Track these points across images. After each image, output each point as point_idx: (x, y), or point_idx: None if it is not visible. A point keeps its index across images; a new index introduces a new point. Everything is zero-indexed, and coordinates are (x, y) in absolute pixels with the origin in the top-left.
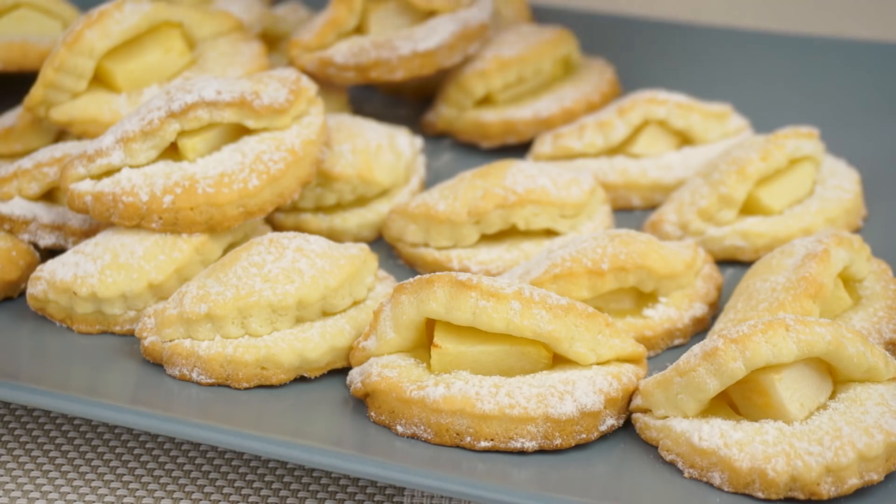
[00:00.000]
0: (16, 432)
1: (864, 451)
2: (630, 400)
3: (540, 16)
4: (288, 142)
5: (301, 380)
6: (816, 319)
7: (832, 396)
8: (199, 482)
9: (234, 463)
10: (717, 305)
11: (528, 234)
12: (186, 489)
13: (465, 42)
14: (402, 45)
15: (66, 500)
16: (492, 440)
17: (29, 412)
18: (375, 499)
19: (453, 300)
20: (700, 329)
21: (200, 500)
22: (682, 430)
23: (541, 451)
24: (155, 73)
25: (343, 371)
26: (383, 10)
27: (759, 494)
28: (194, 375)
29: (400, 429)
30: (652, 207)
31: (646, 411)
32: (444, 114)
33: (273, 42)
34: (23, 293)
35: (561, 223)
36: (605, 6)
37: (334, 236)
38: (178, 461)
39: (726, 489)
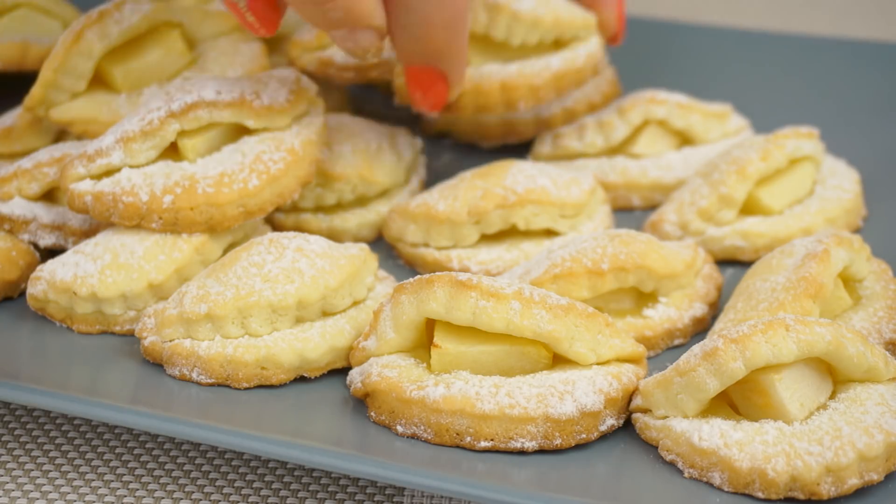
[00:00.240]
0: (16, 432)
1: (864, 451)
2: (630, 400)
3: None
4: (288, 142)
5: (301, 380)
6: (816, 319)
7: (832, 396)
8: (199, 482)
9: (234, 463)
10: (717, 305)
11: (529, 234)
12: (186, 489)
13: None
14: None
15: (66, 500)
16: (492, 440)
17: (29, 412)
18: (375, 499)
19: (453, 300)
20: (700, 329)
21: (200, 500)
22: (682, 430)
23: (541, 451)
24: (155, 73)
25: (343, 371)
26: None
27: (759, 494)
28: (194, 375)
29: (400, 429)
30: (652, 207)
31: (646, 411)
32: (444, 113)
33: (273, 42)
34: (23, 293)
35: (561, 223)
36: None
37: (334, 236)
38: (178, 461)
39: (726, 489)
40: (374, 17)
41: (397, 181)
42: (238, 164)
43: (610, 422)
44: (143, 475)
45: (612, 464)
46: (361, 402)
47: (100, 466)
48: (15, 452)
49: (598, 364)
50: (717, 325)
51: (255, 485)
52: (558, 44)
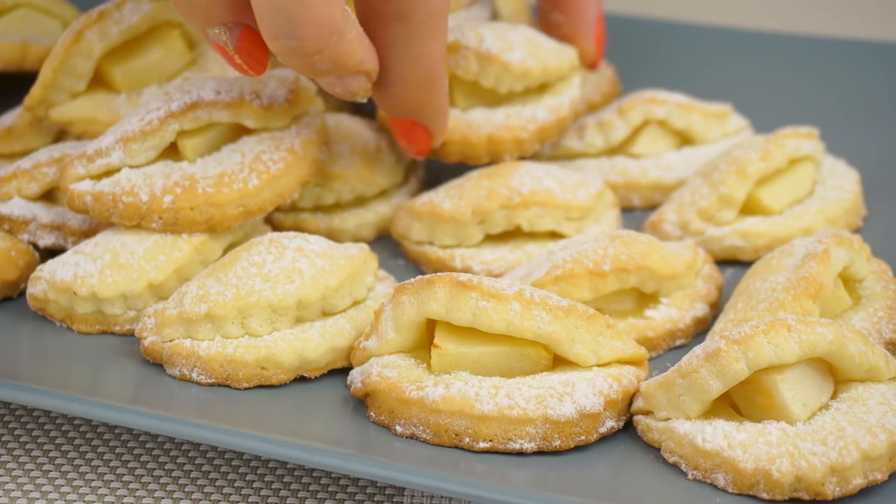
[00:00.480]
0: (16, 432)
1: (867, 451)
2: (631, 402)
3: None
4: (287, 141)
5: (301, 380)
6: (818, 319)
7: (833, 396)
8: (199, 482)
9: (234, 463)
10: (718, 306)
11: (533, 235)
12: (186, 489)
13: None
14: None
15: (66, 500)
16: (490, 441)
17: (29, 412)
18: (375, 499)
19: (454, 301)
20: (702, 329)
21: (200, 500)
22: (684, 431)
23: (539, 453)
24: (155, 73)
25: (343, 371)
26: None
27: (764, 495)
28: (194, 375)
29: (399, 429)
30: (652, 207)
31: (647, 413)
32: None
33: None
34: (23, 293)
35: (566, 226)
36: (605, 6)
37: (333, 236)
38: (178, 461)
39: (731, 490)
40: (363, 62)
41: (396, 181)
42: (238, 164)
43: (609, 424)
44: (143, 475)
45: (613, 465)
46: (361, 402)
47: (100, 466)
48: (15, 452)
49: (598, 366)
50: (717, 325)
51: (255, 485)
52: (543, 87)
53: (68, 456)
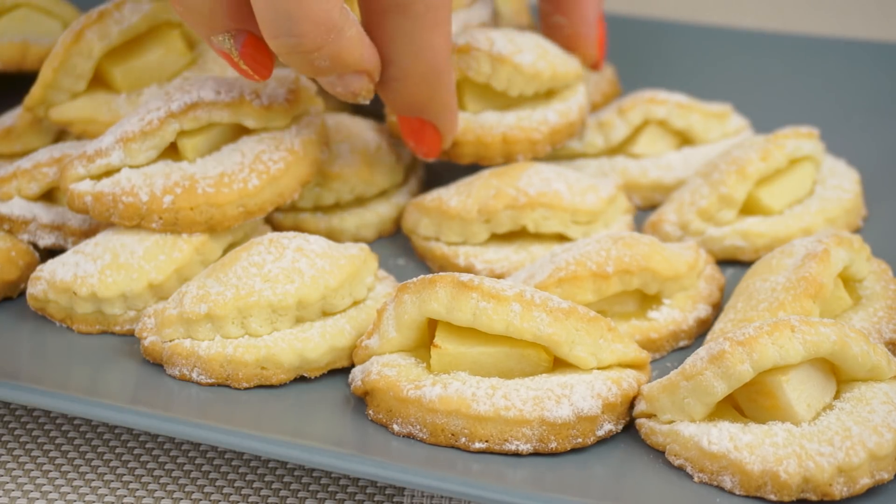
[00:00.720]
0: (16, 432)
1: (874, 451)
2: (631, 405)
3: None
4: (287, 141)
5: (301, 380)
6: (821, 320)
7: (836, 396)
8: (199, 482)
9: (234, 463)
10: (720, 306)
11: (539, 237)
12: (186, 489)
13: None
14: None
15: (66, 500)
16: (486, 441)
17: (29, 412)
18: (375, 499)
19: (454, 300)
20: (704, 330)
21: (200, 500)
22: (689, 434)
23: (535, 454)
24: (155, 73)
25: (343, 371)
26: None
27: (772, 497)
28: (194, 375)
29: (396, 427)
30: (652, 207)
31: (650, 416)
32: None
33: None
34: (23, 293)
35: (573, 229)
36: (605, 6)
37: (333, 236)
38: (178, 461)
39: (738, 492)
40: (363, 60)
41: (396, 181)
42: (238, 164)
43: (608, 427)
44: (143, 475)
45: (612, 466)
46: (361, 402)
47: (100, 466)
48: (15, 452)
49: (599, 369)
50: (718, 325)
51: (255, 485)
52: (550, 93)
53: (68, 456)
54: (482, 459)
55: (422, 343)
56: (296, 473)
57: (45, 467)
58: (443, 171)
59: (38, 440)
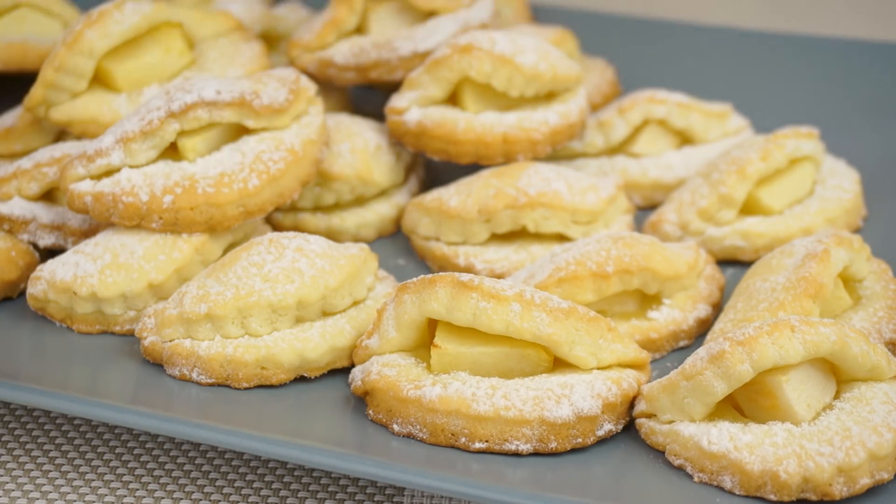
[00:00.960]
0: (16, 432)
1: (874, 451)
2: (631, 405)
3: (540, 16)
4: (288, 141)
5: (301, 380)
6: (821, 320)
7: (836, 396)
8: (199, 482)
9: (234, 463)
10: (721, 306)
11: (539, 237)
12: (186, 489)
13: None
14: (402, 46)
15: (66, 500)
16: (486, 441)
17: (29, 412)
18: (375, 499)
19: (454, 300)
20: (704, 330)
21: (200, 500)
22: (689, 434)
23: (536, 454)
24: (155, 73)
25: (343, 371)
26: (384, 10)
27: (772, 497)
28: (194, 375)
29: (396, 427)
30: (652, 207)
31: (650, 416)
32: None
33: (273, 42)
34: (23, 293)
35: (573, 229)
36: (605, 6)
37: (333, 236)
38: (178, 461)
39: (738, 492)
40: None
41: (396, 181)
42: (238, 164)
43: (608, 427)
44: (143, 475)
45: (612, 466)
46: (361, 402)
47: (100, 466)
48: (15, 452)
49: (598, 369)
50: (717, 325)
51: (255, 485)
52: (550, 95)
53: (68, 456)
54: (482, 459)
55: (422, 343)
56: (296, 473)
57: (45, 467)
58: (443, 171)
59: (38, 440)
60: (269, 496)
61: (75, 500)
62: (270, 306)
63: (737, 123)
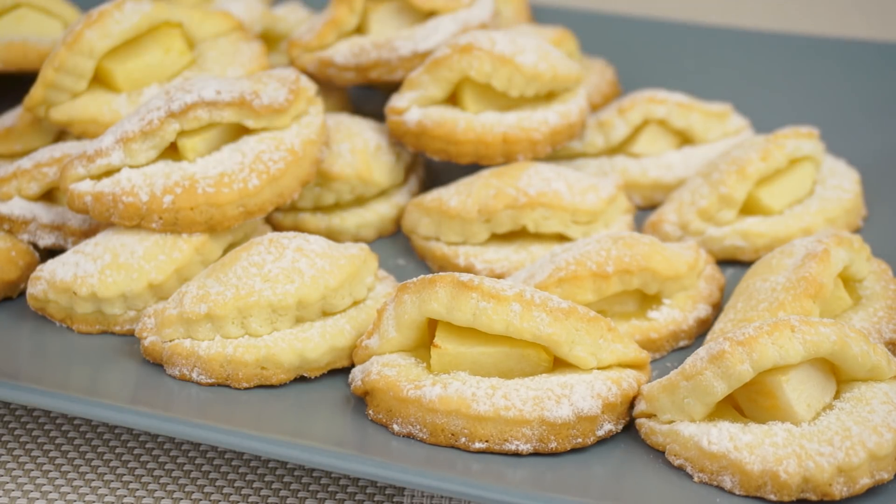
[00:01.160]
0: (16, 432)
1: (874, 451)
2: (631, 405)
3: (540, 16)
4: (288, 141)
5: (301, 380)
6: (821, 320)
7: (836, 396)
8: (199, 482)
9: (234, 463)
10: (721, 306)
11: (540, 237)
12: (186, 489)
13: None
14: (402, 46)
15: (66, 500)
16: (486, 441)
17: (29, 412)
18: (375, 499)
19: (454, 300)
20: (704, 330)
21: (200, 500)
22: (689, 434)
23: (536, 454)
24: (155, 73)
25: (343, 371)
26: (384, 10)
27: (772, 497)
28: (194, 375)
29: (396, 427)
30: (652, 207)
31: (650, 416)
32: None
33: (273, 42)
34: (23, 293)
35: (573, 229)
36: (605, 6)
37: (333, 236)
38: (178, 461)
39: (738, 492)
40: None
41: (396, 181)
42: (238, 164)
43: (608, 427)
44: (143, 475)
45: (612, 466)
46: (361, 402)
47: (100, 466)
48: (15, 452)
49: (598, 369)
50: (717, 325)
51: (255, 485)
52: (550, 95)
53: (68, 456)
54: (482, 459)
55: (422, 343)
56: (296, 473)
57: (45, 467)
58: (443, 171)
59: (38, 440)
60: (269, 496)
61: (75, 500)
62: (270, 306)
63: (737, 123)
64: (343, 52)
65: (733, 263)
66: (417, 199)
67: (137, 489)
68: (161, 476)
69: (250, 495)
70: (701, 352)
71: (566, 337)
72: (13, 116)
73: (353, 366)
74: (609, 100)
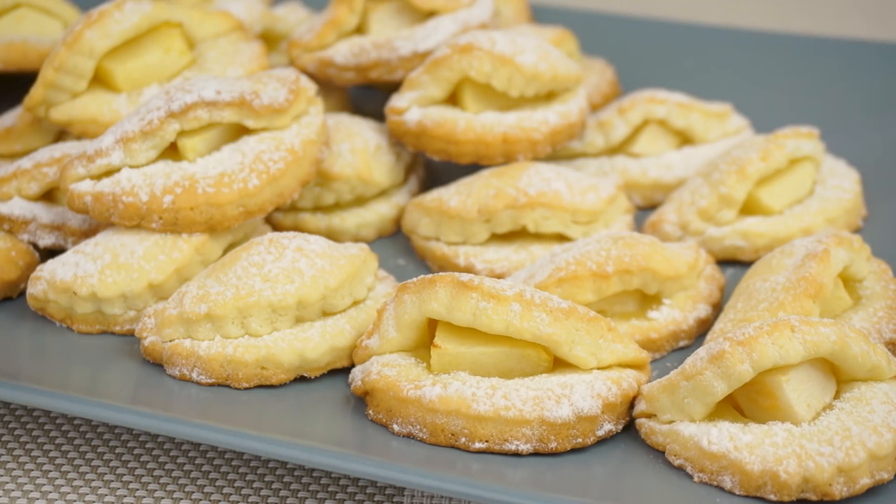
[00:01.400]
0: (16, 432)
1: (874, 451)
2: (631, 405)
3: (540, 16)
4: (288, 141)
5: (301, 380)
6: (821, 320)
7: (836, 396)
8: (199, 482)
9: (234, 463)
10: (721, 306)
11: (540, 237)
12: (186, 489)
13: None
14: (402, 46)
15: (66, 500)
16: (486, 441)
17: (29, 412)
18: (375, 499)
19: (454, 300)
20: (704, 330)
21: (200, 500)
22: (689, 434)
23: (535, 454)
24: (155, 73)
25: (343, 371)
26: (384, 10)
27: (772, 497)
28: (194, 375)
29: (396, 427)
30: (652, 207)
31: (650, 416)
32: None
33: (273, 42)
34: (23, 293)
35: (573, 229)
36: (605, 6)
37: (333, 236)
38: (178, 461)
39: (738, 492)
40: None
41: (396, 181)
42: (238, 164)
43: (608, 427)
44: (143, 475)
45: (612, 465)
46: (361, 402)
47: (100, 466)
48: (15, 452)
49: (598, 369)
50: (717, 325)
51: (255, 485)
52: (550, 95)
53: (68, 456)
54: (482, 459)
55: (422, 343)
56: (296, 473)
57: (45, 467)
58: (443, 171)
59: (38, 440)
60: (269, 496)
61: (75, 500)
62: (270, 306)
63: (737, 123)
64: (343, 52)
65: (733, 263)
66: (417, 199)
67: (137, 489)
68: (161, 476)
69: (250, 495)
70: (701, 352)
71: (566, 337)
72: (13, 116)
73: (353, 366)
74: (609, 100)
